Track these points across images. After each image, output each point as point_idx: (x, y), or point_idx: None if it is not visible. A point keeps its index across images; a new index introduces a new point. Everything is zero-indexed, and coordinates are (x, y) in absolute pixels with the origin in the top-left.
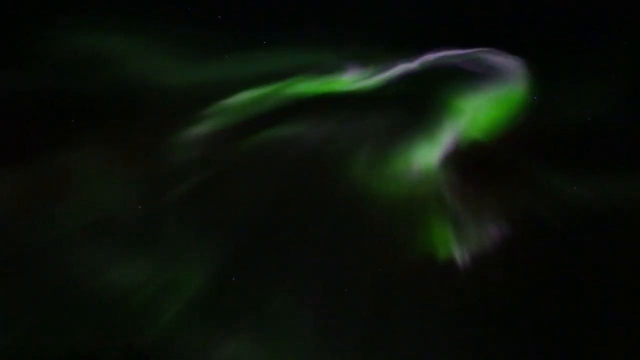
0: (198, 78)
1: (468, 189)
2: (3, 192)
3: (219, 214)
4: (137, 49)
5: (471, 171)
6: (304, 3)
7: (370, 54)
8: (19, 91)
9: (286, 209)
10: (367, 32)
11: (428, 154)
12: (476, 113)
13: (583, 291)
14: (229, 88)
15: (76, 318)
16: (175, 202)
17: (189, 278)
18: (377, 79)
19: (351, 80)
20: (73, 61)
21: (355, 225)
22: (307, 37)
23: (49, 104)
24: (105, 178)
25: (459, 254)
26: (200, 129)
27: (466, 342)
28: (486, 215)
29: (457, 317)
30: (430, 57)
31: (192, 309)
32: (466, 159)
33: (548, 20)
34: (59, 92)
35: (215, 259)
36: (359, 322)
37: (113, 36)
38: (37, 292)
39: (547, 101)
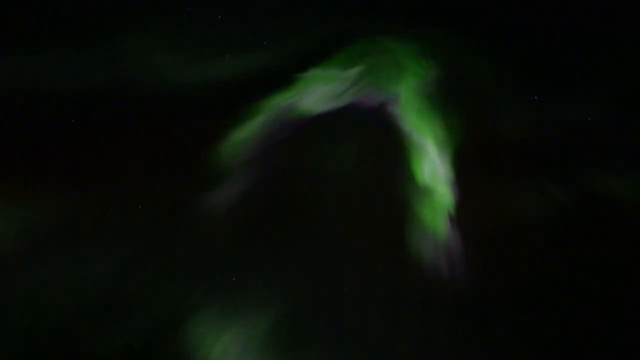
0: (198, 78)
1: (468, 188)
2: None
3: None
4: (137, 50)
5: (471, 170)
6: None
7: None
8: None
9: (285, 208)
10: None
11: (427, 153)
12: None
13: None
14: (230, 88)
15: (76, 317)
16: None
17: (190, 277)
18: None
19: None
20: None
21: (355, 224)
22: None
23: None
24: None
25: (459, 254)
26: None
27: (468, 343)
28: (483, 214)
29: (458, 318)
30: None
31: (192, 308)
32: (466, 158)
33: (548, 20)
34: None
35: (214, 258)
36: (359, 322)
37: (111, 37)
38: (38, 290)
39: (547, 101)
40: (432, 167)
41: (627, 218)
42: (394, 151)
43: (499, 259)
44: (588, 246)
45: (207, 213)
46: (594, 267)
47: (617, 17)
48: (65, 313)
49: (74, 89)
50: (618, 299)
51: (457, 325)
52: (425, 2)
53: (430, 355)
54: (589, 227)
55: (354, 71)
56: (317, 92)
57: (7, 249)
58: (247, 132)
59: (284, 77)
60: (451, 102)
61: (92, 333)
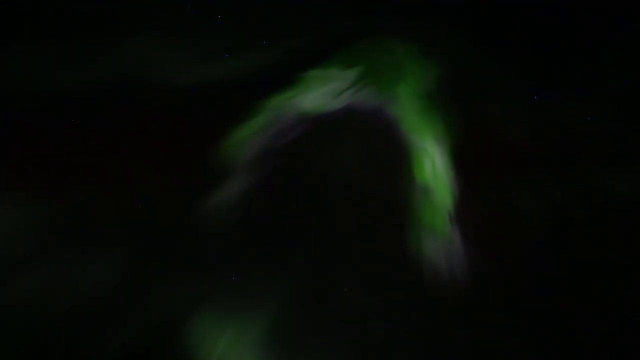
0: (198, 78)
1: (468, 187)
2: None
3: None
4: (137, 50)
5: (471, 170)
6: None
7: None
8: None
9: (285, 208)
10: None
11: (427, 152)
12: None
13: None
14: (230, 88)
15: (76, 317)
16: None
17: (190, 277)
18: None
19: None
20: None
21: (355, 224)
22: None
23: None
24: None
25: (459, 253)
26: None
27: (469, 343)
28: (483, 214)
29: (458, 317)
30: None
31: (192, 308)
32: (466, 158)
33: (548, 20)
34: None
35: (214, 258)
36: (359, 321)
37: (111, 37)
38: (38, 290)
39: (547, 101)
40: (432, 167)
41: (627, 217)
42: (394, 151)
43: (499, 259)
44: (588, 245)
45: (207, 213)
46: (595, 266)
47: (617, 17)
48: (65, 313)
49: (74, 89)
50: (618, 298)
51: (457, 324)
52: (426, 2)
53: (430, 355)
54: (589, 227)
55: (354, 71)
56: (317, 92)
57: (7, 249)
58: (247, 133)
59: (284, 77)
60: (451, 102)
61: (92, 333)
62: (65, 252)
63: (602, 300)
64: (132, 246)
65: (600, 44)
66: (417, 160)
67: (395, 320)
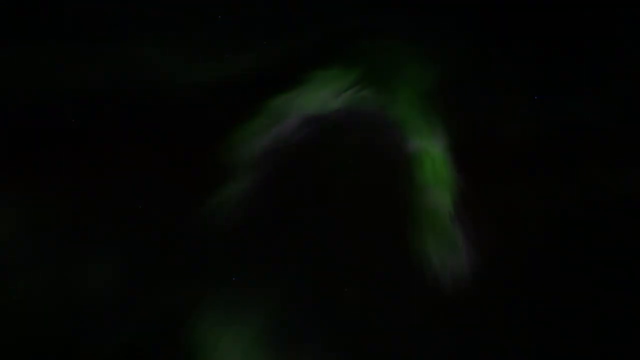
0: (198, 78)
1: (468, 187)
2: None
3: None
4: (137, 50)
5: (471, 170)
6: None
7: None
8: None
9: (285, 208)
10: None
11: (428, 152)
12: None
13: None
14: (230, 88)
15: (76, 317)
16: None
17: (190, 277)
18: None
19: None
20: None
21: (356, 224)
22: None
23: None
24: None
25: (460, 253)
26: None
27: (469, 343)
28: (483, 214)
29: (459, 318)
30: None
31: (192, 308)
32: (466, 158)
33: (548, 20)
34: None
35: (214, 258)
36: (359, 322)
37: (112, 38)
38: (38, 290)
39: (547, 101)
40: (433, 167)
41: (627, 217)
42: (394, 151)
43: (500, 259)
44: (588, 245)
45: (207, 213)
46: (595, 266)
47: (618, 17)
48: (65, 313)
49: (75, 89)
50: (619, 298)
51: (457, 325)
52: (425, 2)
53: (430, 355)
54: (589, 227)
55: (354, 72)
56: (318, 93)
57: (7, 249)
58: (248, 133)
59: (284, 77)
60: (451, 102)
61: (92, 333)
62: (65, 253)
63: (603, 300)
64: (132, 246)
65: (601, 43)
66: (417, 160)
67: (396, 320)
